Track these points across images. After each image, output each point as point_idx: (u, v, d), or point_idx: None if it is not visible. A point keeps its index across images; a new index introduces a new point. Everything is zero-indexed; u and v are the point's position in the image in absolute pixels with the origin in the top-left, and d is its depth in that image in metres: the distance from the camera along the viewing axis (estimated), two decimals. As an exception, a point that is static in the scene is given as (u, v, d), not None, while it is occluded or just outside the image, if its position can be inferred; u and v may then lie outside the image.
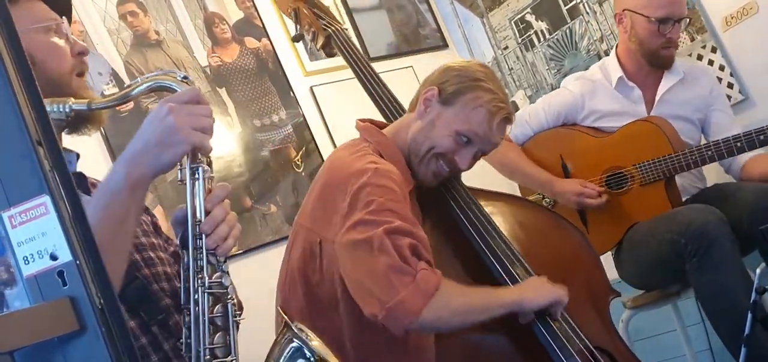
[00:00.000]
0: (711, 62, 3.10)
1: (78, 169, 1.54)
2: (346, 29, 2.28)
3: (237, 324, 1.28)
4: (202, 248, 1.26)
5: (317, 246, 1.77)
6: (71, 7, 1.57)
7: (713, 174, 2.83)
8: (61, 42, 1.43)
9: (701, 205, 2.42)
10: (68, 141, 1.53)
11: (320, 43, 2.26)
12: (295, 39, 2.45)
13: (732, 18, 3.04)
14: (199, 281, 1.25)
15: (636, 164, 2.58)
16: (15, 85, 0.90)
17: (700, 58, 3.13)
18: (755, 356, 1.92)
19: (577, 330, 1.83)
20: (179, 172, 1.31)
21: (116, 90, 2.75)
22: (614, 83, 2.69)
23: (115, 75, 2.78)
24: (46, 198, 0.88)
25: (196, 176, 1.31)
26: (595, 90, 2.71)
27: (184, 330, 1.26)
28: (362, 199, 1.69)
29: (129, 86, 1.34)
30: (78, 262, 0.88)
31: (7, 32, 0.90)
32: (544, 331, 1.80)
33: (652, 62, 2.65)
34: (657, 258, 2.44)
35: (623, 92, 2.69)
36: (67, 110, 1.28)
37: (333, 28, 2.24)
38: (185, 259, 1.27)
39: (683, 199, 2.62)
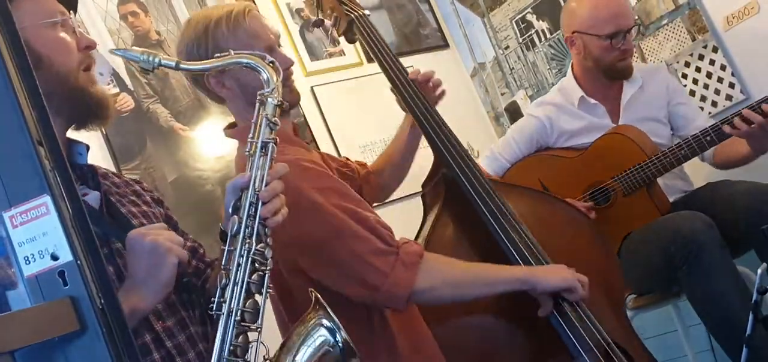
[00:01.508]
0: (712, 62, 3.10)
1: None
2: (369, 14, 2.26)
3: (269, 295, 1.33)
4: (255, 216, 1.32)
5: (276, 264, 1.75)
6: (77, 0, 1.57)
7: (706, 171, 2.83)
8: (68, 37, 1.43)
9: (689, 212, 2.42)
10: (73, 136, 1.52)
11: (342, 28, 2.25)
12: (316, 24, 2.42)
13: (733, 17, 3.04)
14: (247, 246, 1.31)
15: (614, 176, 2.59)
16: (16, 86, 0.90)
17: (701, 57, 3.12)
18: (757, 357, 1.91)
19: (596, 323, 1.81)
20: (249, 143, 1.38)
21: (117, 90, 2.75)
22: (576, 104, 2.71)
23: (115, 75, 2.79)
24: (46, 198, 0.88)
25: (265, 151, 1.38)
26: (559, 113, 2.74)
27: (218, 291, 1.30)
28: (292, 195, 1.66)
29: (219, 57, 1.43)
30: (79, 262, 0.88)
31: (8, 33, 0.90)
32: (562, 322, 1.78)
33: (611, 76, 2.68)
34: (650, 267, 2.45)
35: (587, 110, 2.71)
36: (156, 62, 1.36)
37: (356, 13, 2.23)
38: (235, 225, 1.32)
39: (671, 200, 2.63)
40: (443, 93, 2.15)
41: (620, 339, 1.89)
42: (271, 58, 1.43)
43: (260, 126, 1.39)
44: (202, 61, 1.44)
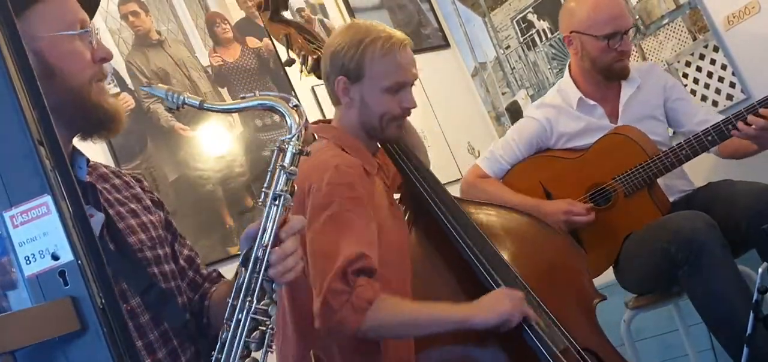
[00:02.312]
0: (713, 61, 3.10)
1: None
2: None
3: (267, 354, 1.28)
4: (260, 272, 1.27)
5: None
6: (98, 4, 1.53)
7: (706, 171, 2.83)
8: (83, 48, 1.39)
9: (690, 212, 2.42)
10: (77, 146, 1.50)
11: (310, 66, 2.33)
12: (287, 64, 2.50)
13: (734, 17, 3.04)
14: (247, 304, 1.27)
15: (615, 177, 2.59)
16: (16, 85, 0.90)
17: (702, 57, 3.12)
18: (757, 356, 1.92)
19: (563, 331, 1.87)
20: (263, 194, 1.31)
21: (117, 89, 2.76)
22: (575, 105, 2.71)
23: (116, 74, 2.79)
24: (47, 198, 0.88)
25: (277, 203, 1.31)
26: (558, 114, 2.74)
27: (218, 345, 1.28)
28: (321, 201, 1.80)
29: (243, 98, 1.37)
30: (79, 262, 0.88)
31: (9, 33, 0.90)
32: (529, 332, 1.84)
33: (608, 77, 2.68)
34: (651, 267, 2.44)
35: (586, 111, 2.71)
36: (180, 101, 1.34)
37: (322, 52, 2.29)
38: (241, 278, 1.28)
39: (671, 200, 2.63)
40: None
41: (591, 344, 1.93)
42: (296, 102, 1.39)
43: (276, 175, 1.32)
44: (226, 103, 1.43)
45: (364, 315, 1.74)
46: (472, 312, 1.84)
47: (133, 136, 2.75)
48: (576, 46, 2.68)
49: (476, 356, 1.95)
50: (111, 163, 2.66)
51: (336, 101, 2.02)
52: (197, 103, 1.35)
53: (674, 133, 2.77)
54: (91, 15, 1.47)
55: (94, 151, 2.64)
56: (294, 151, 1.33)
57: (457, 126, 3.61)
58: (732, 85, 3.08)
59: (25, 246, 0.89)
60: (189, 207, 2.71)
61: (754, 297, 1.70)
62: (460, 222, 2.00)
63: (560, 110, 2.73)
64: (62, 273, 0.88)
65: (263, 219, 1.29)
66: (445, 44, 3.84)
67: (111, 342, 0.87)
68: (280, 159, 1.33)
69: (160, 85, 1.39)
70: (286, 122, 1.35)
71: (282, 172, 1.32)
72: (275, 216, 1.29)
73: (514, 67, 3.69)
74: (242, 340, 1.26)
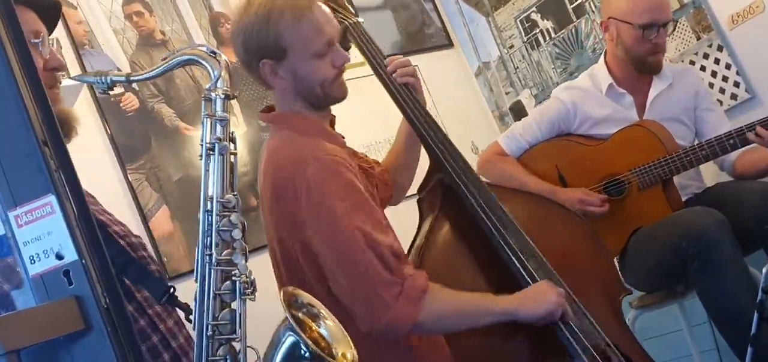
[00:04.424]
0: (717, 61, 3.09)
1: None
2: (363, 22, 2.27)
3: (244, 302, 1.28)
4: (212, 225, 1.27)
5: (294, 251, 1.75)
6: (59, 17, 1.57)
7: (714, 169, 2.82)
8: (36, 56, 1.41)
9: (701, 208, 2.41)
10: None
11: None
12: None
13: (738, 16, 3.03)
14: (208, 257, 1.26)
15: (632, 169, 2.57)
16: (21, 85, 0.90)
17: (706, 56, 3.12)
18: (762, 356, 1.91)
19: (594, 323, 1.84)
20: (200, 147, 1.32)
21: (122, 90, 2.76)
22: (605, 90, 2.69)
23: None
24: (51, 198, 0.88)
25: (212, 153, 1.30)
26: (586, 98, 2.71)
27: (195, 302, 1.27)
28: (316, 199, 1.69)
29: (164, 59, 1.37)
30: (84, 261, 0.88)
31: (12, 33, 0.91)
32: (560, 323, 1.81)
33: (640, 68, 2.65)
34: (660, 262, 2.43)
35: (614, 99, 2.68)
36: (108, 81, 1.35)
37: (349, 21, 2.25)
38: (200, 236, 1.29)
39: (683, 199, 2.62)
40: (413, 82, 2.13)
41: (617, 339, 1.90)
42: (213, 49, 1.37)
43: (208, 126, 1.31)
44: (150, 69, 1.39)
45: (421, 308, 1.66)
46: (520, 304, 1.78)
47: (136, 136, 2.75)
48: (612, 33, 2.65)
49: (501, 349, 1.92)
50: (115, 163, 2.66)
51: (268, 86, 1.87)
52: (124, 78, 1.38)
53: (695, 141, 2.74)
54: (51, 28, 1.49)
55: (98, 153, 2.66)
56: (221, 96, 1.33)
57: (460, 125, 3.61)
58: (736, 84, 3.07)
59: (29, 245, 0.89)
60: (193, 206, 2.71)
61: (759, 297, 1.70)
62: (492, 210, 1.94)
63: (588, 93, 2.72)
64: (67, 273, 0.88)
65: (203, 173, 1.29)
66: (449, 44, 3.84)
67: (115, 342, 0.87)
68: (208, 109, 1.33)
69: (88, 72, 1.43)
70: (208, 70, 1.35)
71: (212, 120, 1.32)
72: (217, 167, 1.29)
73: (517, 67, 3.68)
74: (212, 293, 1.25)
